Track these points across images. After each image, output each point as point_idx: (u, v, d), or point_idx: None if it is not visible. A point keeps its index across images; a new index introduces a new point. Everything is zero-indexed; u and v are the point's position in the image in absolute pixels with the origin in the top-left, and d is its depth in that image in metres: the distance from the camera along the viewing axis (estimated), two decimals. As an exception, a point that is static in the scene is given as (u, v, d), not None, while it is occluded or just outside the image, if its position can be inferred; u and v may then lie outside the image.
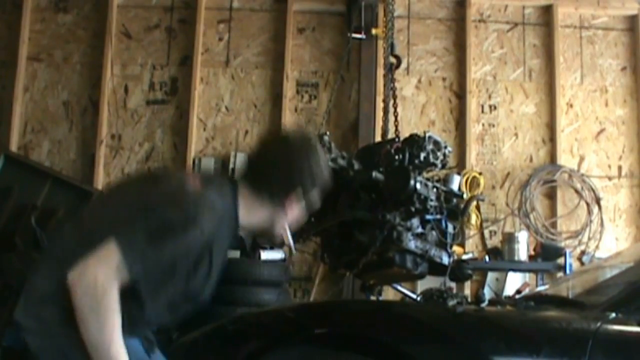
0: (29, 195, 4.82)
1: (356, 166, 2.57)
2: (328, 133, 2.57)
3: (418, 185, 2.40)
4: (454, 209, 2.59)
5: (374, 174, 2.47)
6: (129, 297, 1.76)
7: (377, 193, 2.49)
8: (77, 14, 5.42)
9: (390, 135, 3.66)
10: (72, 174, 5.13)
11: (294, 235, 2.40)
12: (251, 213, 1.95)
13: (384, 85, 3.59)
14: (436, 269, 2.61)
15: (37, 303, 1.81)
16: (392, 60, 3.49)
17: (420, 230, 2.53)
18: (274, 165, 1.97)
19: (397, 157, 2.53)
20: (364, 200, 2.49)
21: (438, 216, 2.55)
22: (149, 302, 1.82)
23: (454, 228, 2.60)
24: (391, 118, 3.57)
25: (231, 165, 5.12)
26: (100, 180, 5.12)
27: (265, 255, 4.49)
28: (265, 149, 2.03)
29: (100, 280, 1.68)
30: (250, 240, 4.50)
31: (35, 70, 5.33)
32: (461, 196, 2.66)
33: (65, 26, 5.41)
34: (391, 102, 3.39)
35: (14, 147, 5.14)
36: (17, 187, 4.81)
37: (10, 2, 5.40)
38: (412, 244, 2.47)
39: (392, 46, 3.50)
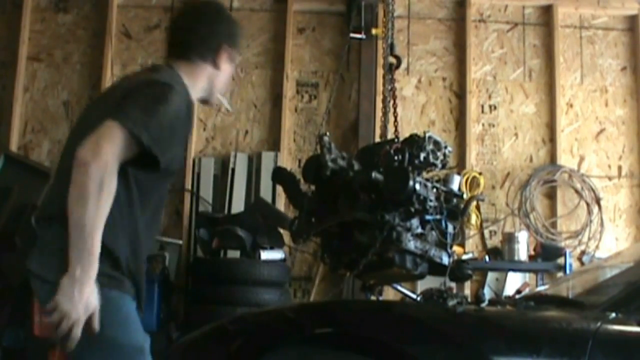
0: (29, 195, 4.82)
1: (356, 167, 2.57)
2: (328, 133, 2.58)
3: (417, 186, 2.41)
4: (454, 209, 2.59)
5: (374, 174, 2.47)
6: (147, 168, 1.84)
7: (376, 193, 2.49)
8: (77, 14, 5.42)
9: (390, 135, 3.66)
10: (72, 174, 5.13)
11: (294, 235, 2.45)
12: (192, 83, 2.05)
13: (383, 85, 3.58)
14: (436, 269, 2.61)
15: (55, 253, 1.78)
16: (392, 60, 3.48)
17: (419, 230, 2.53)
18: (195, 30, 2.09)
19: (396, 157, 2.54)
20: (363, 200, 2.50)
21: (438, 216, 2.55)
22: (164, 166, 1.86)
23: (454, 228, 2.60)
24: (391, 118, 3.56)
25: (231, 165, 5.11)
26: (100, 180, 5.12)
27: (265, 255, 4.49)
28: (180, 21, 2.18)
29: (111, 160, 1.72)
30: (250, 240, 4.50)
31: (35, 70, 5.33)
32: (461, 196, 2.66)
33: (65, 26, 5.41)
34: (391, 102, 3.38)
35: (14, 147, 5.14)
36: (17, 187, 4.81)
37: (10, 2, 5.40)
38: (411, 244, 2.47)
39: (391, 46, 3.49)
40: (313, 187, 2.72)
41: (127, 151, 1.77)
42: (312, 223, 2.65)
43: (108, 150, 1.71)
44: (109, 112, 1.80)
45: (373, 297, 2.82)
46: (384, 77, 3.29)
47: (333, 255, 2.64)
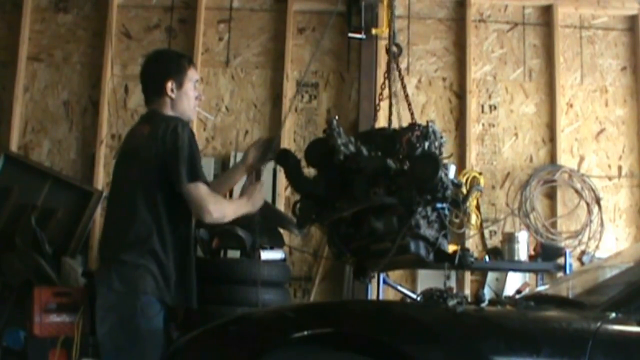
0: (29, 195, 4.82)
1: (365, 152, 2.58)
2: (337, 117, 2.58)
3: (442, 173, 2.43)
4: (455, 197, 2.61)
5: (389, 161, 2.50)
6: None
7: (389, 179, 2.50)
8: (77, 14, 5.42)
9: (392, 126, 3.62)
10: (72, 174, 5.14)
11: (300, 221, 2.74)
12: (172, 113, 2.75)
13: (387, 77, 3.50)
14: (441, 256, 2.62)
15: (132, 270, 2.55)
16: (394, 49, 3.47)
17: (432, 218, 2.55)
18: (146, 78, 2.83)
19: (418, 145, 2.55)
20: (384, 186, 2.49)
21: (444, 204, 2.56)
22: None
23: (456, 216, 2.62)
24: (393, 113, 3.52)
25: (231, 165, 5.10)
26: (100, 180, 5.12)
27: (265, 255, 4.48)
28: (140, 75, 2.88)
29: (206, 197, 2.59)
30: (250, 240, 4.49)
31: (35, 70, 5.33)
32: (460, 186, 2.67)
33: (65, 26, 5.41)
34: (394, 93, 3.33)
35: (14, 147, 5.13)
36: (17, 187, 4.82)
37: (10, 2, 5.39)
38: (427, 231, 2.49)
39: (393, 35, 3.48)
40: (314, 172, 2.73)
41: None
42: (314, 208, 2.65)
43: (206, 199, 2.57)
44: (151, 175, 2.60)
45: (366, 281, 2.82)
46: (387, 64, 3.22)
47: (341, 241, 2.63)
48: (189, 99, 2.79)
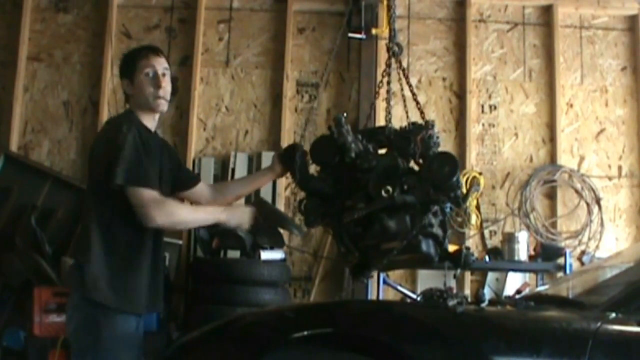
0: (29, 195, 4.83)
1: (371, 150, 2.58)
2: (345, 114, 2.57)
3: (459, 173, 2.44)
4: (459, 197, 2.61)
5: (400, 160, 2.50)
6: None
7: (399, 178, 2.49)
8: (77, 14, 5.42)
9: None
10: (72, 174, 5.13)
11: (308, 221, 2.70)
12: (139, 110, 2.69)
13: (385, 76, 3.48)
14: (445, 256, 2.62)
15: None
16: (395, 48, 3.46)
17: (440, 217, 2.55)
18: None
19: (432, 144, 2.55)
20: (398, 185, 2.49)
21: (448, 204, 2.57)
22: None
23: (457, 214, 2.62)
24: (393, 111, 3.50)
25: (231, 165, 5.11)
26: (100, 180, 5.11)
27: (265, 255, 4.48)
28: None
29: (150, 203, 2.46)
30: (250, 240, 4.49)
31: (35, 70, 5.33)
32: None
33: (65, 26, 5.41)
34: (394, 93, 3.31)
35: (14, 147, 5.13)
36: (17, 187, 4.82)
37: (10, 2, 5.39)
38: (437, 230, 2.49)
39: (394, 32, 3.46)
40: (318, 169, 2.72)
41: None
42: (321, 207, 2.64)
43: (142, 202, 2.45)
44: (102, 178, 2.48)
45: (364, 280, 2.81)
46: (386, 64, 3.20)
47: (350, 240, 2.62)
48: (142, 90, 2.67)
